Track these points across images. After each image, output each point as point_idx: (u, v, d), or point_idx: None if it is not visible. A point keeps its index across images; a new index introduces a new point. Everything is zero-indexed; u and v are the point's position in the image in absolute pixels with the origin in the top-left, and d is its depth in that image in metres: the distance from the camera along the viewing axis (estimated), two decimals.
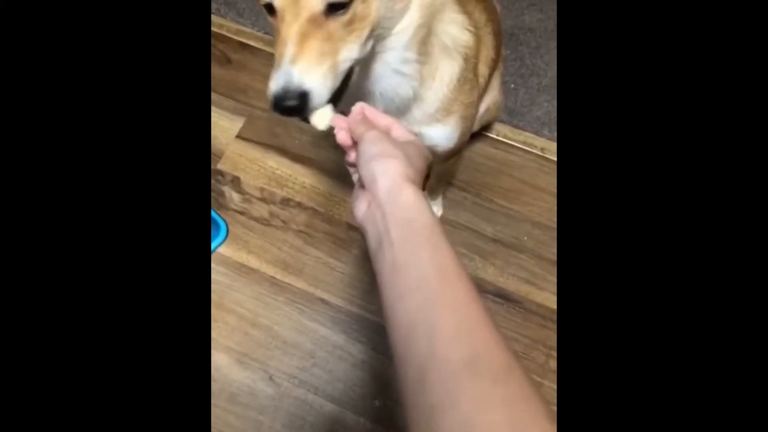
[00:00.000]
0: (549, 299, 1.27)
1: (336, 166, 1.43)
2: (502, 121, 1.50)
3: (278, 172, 1.43)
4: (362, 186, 0.57)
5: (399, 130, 0.62)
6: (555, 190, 1.39)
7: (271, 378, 1.20)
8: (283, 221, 1.37)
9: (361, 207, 0.55)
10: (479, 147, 1.46)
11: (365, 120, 0.62)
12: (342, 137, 0.64)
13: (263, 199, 1.40)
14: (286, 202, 1.39)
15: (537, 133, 1.48)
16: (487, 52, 0.99)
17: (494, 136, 1.48)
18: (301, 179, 1.42)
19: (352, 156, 0.64)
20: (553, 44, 1.61)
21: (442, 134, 0.91)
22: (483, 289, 1.29)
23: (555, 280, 1.30)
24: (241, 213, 1.38)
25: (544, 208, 1.37)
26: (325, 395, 1.19)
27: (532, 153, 1.45)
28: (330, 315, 1.27)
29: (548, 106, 1.51)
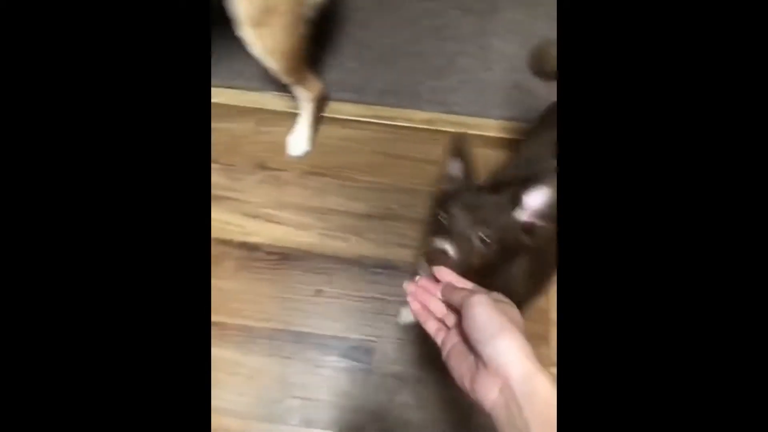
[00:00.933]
0: None
1: None
2: (348, 101, 1.50)
3: None
4: (481, 362, 0.53)
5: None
6: (412, 155, 1.42)
7: None
8: None
9: (489, 392, 0.51)
10: (331, 131, 1.45)
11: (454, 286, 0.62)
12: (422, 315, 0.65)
13: None
14: None
15: (382, 103, 1.50)
16: None
17: (343, 117, 1.48)
18: None
19: (431, 326, 0.64)
20: (384, 17, 1.64)
21: None
22: (364, 264, 1.29)
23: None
24: None
25: (406, 173, 1.39)
26: (233, 414, 1.13)
27: (383, 124, 1.47)
28: (216, 333, 1.20)
29: (387, 75, 1.54)
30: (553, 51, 0.98)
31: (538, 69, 1.04)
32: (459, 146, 0.78)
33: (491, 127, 1.46)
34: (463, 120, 1.47)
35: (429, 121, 1.47)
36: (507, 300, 0.58)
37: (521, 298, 0.94)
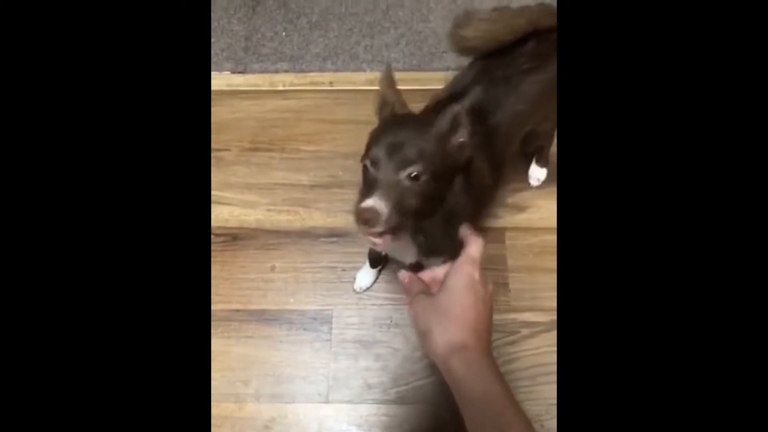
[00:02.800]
0: None
1: None
2: (286, 71, 1.47)
3: None
4: None
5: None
6: (355, 118, 1.39)
7: None
8: None
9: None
10: (269, 104, 1.42)
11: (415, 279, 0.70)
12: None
13: None
14: None
15: (321, 69, 1.46)
16: None
17: (281, 89, 1.45)
18: None
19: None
20: None
21: None
22: (315, 235, 1.27)
23: None
24: None
25: (349, 138, 1.36)
26: None
27: (322, 90, 1.44)
28: None
29: (324, 41, 1.50)
30: (469, 29, 0.93)
31: (461, 49, 0.99)
32: (390, 79, 0.83)
33: (434, 80, 1.42)
34: (404, 76, 1.42)
35: (369, 82, 1.44)
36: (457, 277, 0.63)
37: (469, 214, 0.93)
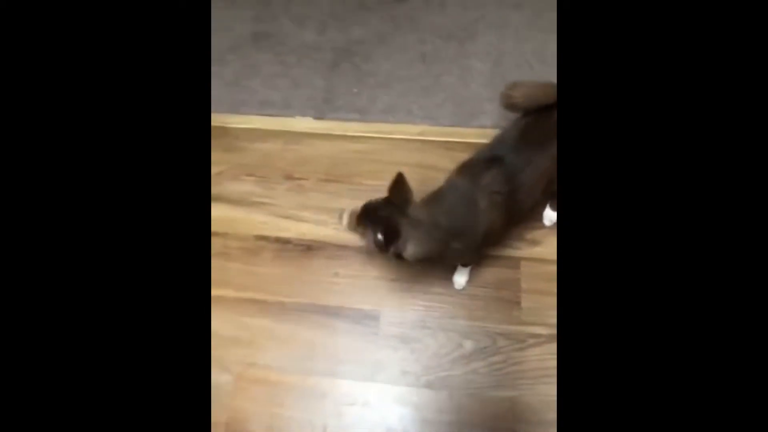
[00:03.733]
0: None
1: (237, 196, 1.75)
2: (355, 120, 1.85)
3: None
4: None
5: None
6: (407, 161, 1.75)
7: (227, 369, 1.50)
8: None
9: None
10: (342, 146, 1.80)
11: None
12: None
13: None
14: None
15: (383, 121, 1.84)
16: None
17: (352, 134, 1.83)
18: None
19: None
20: (381, 49, 1.98)
21: None
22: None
23: None
24: None
25: None
26: (272, 369, 1.49)
27: (383, 138, 1.81)
28: (257, 308, 1.57)
29: (387, 98, 1.88)
30: (517, 91, 1.28)
31: (508, 105, 1.31)
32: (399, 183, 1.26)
33: (470, 134, 1.77)
34: (447, 130, 1.79)
35: (420, 133, 1.80)
36: None
37: (477, 256, 1.46)
